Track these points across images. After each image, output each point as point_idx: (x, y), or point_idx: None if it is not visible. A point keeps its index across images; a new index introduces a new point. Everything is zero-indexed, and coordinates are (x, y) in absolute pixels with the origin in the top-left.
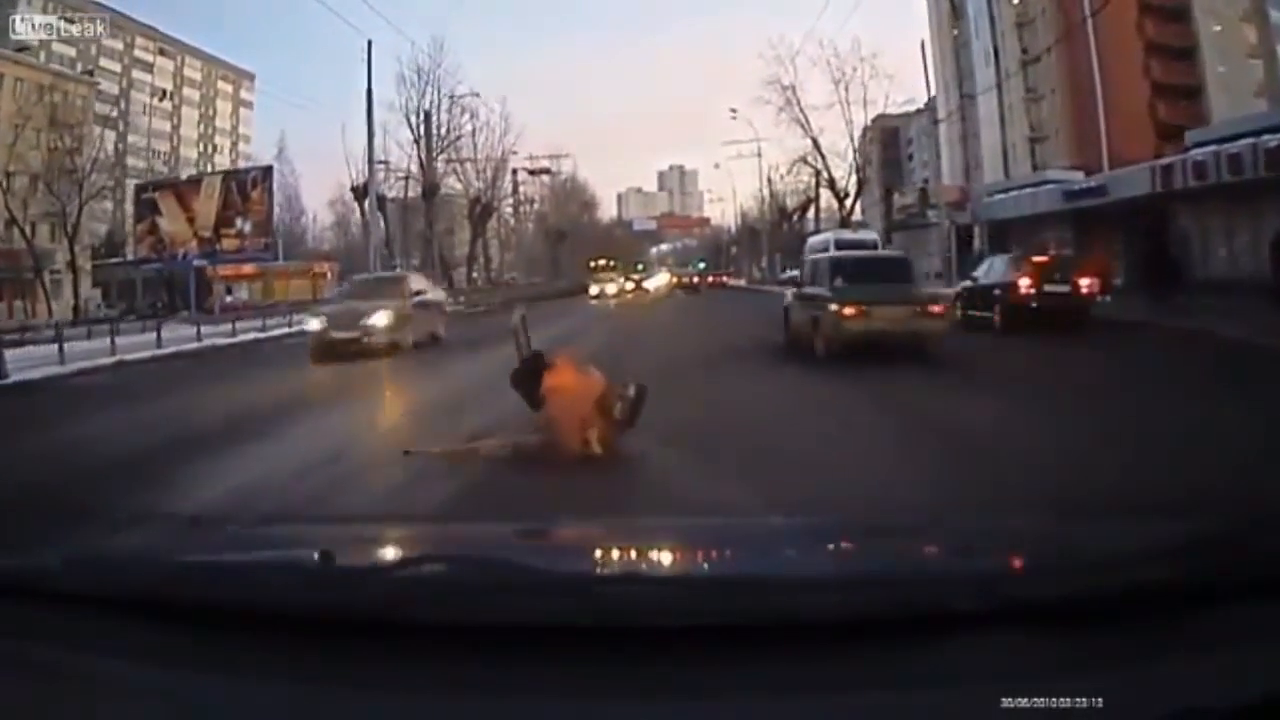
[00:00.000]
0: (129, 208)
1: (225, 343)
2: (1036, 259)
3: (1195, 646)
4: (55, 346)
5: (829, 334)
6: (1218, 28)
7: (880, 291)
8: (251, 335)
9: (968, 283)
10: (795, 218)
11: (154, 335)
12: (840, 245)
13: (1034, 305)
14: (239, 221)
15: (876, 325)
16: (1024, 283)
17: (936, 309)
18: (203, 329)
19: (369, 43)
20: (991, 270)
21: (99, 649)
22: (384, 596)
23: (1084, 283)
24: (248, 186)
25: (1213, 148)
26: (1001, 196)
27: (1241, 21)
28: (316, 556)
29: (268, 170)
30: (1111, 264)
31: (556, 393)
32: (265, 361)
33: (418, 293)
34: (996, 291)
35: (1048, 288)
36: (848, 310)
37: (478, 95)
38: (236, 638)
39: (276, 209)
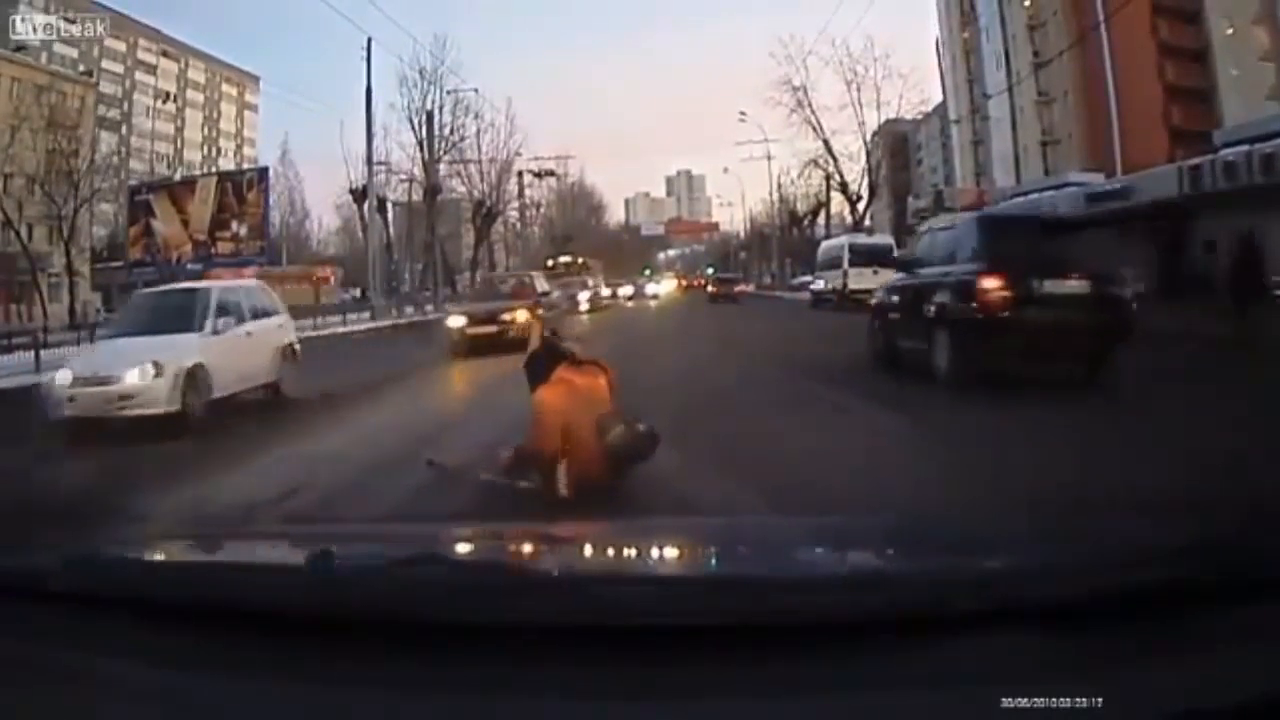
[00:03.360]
0: None
1: None
2: None
3: (1195, 646)
4: (47, 354)
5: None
6: (1230, 30)
7: (723, 282)
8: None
9: None
10: (806, 222)
11: None
12: (855, 249)
13: None
14: (234, 224)
15: (721, 292)
16: None
17: (740, 288)
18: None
19: (369, 40)
20: None
21: (99, 649)
22: (384, 596)
23: None
24: (243, 188)
25: (1245, 148)
26: (1020, 199)
27: (1254, 24)
28: (316, 557)
29: (263, 172)
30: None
31: (556, 383)
32: None
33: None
34: None
35: None
36: (711, 288)
37: (476, 90)
38: (236, 638)
39: (279, 212)
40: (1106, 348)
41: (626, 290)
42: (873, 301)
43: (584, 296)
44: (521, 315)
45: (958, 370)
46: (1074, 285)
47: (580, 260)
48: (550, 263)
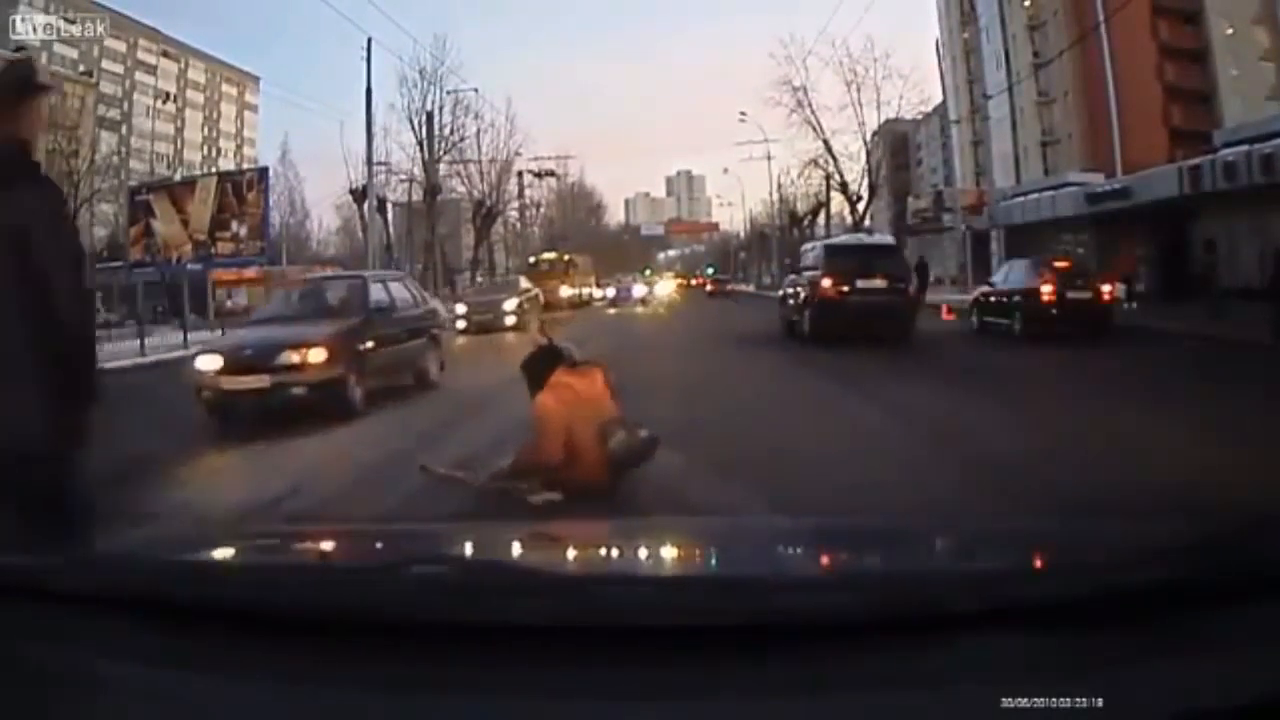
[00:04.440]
0: None
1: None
2: (1058, 263)
3: (1195, 646)
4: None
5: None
6: (1230, 30)
7: (718, 281)
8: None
9: (985, 288)
10: (806, 222)
11: (143, 342)
12: None
13: (1055, 311)
14: (234, 225)
15: (718, 290)
16: (1046, 289)
17: (732, 287)
18: (190, 336)
19: (369, 40)
20: (1010, 276)
21: (99, 649)
22: (384, 596)
23: (1105, 288)
24: (243, 188)
25: (1244, 148)
26: (1019, 200)
27: (1254, 24)
28: (317, 557)
29: (263, 172)
30: (1135, 269)
31: (556, 388)
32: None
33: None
34: (1016, 298)
35: (1069, 294)
36: (709, 286)
37: (476, 90)
38: (236, 638)
39: (279, 212)
40: (900, 319)
41: (611, 293)
42: (778, 294)
43: (510, 306)
44: (318, 355)
45: (813, 333)
46: (877, 283)
47: (566, 258)
48: (532, 259)
